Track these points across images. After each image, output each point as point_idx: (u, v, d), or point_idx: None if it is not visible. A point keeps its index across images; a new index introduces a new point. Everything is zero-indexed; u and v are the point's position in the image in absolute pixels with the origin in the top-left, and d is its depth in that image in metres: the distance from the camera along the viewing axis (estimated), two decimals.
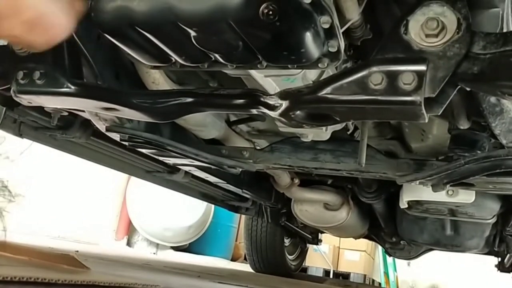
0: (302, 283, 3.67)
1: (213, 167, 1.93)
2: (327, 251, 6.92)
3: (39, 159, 4.29)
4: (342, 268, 7.05)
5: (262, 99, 1.12)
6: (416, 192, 2.20)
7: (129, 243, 5.78)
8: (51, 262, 1.35)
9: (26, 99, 1.32)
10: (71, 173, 4.69)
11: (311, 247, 5.35)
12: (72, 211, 4.87)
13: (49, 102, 1.35)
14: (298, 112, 1.12)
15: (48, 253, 1.37)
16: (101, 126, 1.63)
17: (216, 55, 1.12)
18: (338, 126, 1.65)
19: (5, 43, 1.34)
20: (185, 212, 5.65)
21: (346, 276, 6.96)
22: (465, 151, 1.51)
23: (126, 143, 1.70)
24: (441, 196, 2.07)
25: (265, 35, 1.00)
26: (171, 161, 1.96)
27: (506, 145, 1.32)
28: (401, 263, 7.90)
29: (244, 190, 2.56)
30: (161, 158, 1.94)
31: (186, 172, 2.34)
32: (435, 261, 7.55)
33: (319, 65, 1.10)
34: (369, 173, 1.79)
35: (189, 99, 1.23)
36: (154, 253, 5.74)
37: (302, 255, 4.58)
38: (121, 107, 1.29)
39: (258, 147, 1.95)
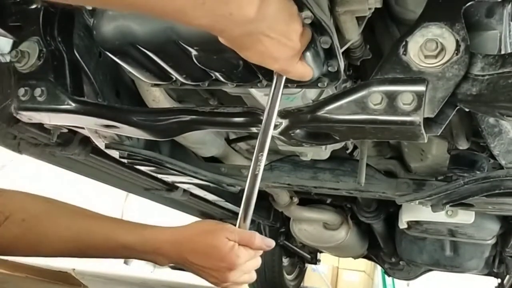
0: None
1: (211, 185, 1.93)
2: (326, 271, 6.86)
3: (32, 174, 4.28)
4: None
5: (261, 117, 1.13)
6: (415, 212, 2.19)
7: (125, 261, 5.73)
8: (48, 279, 1.34)
9: (26, 116, 1.33)
10: (67, 189, 4.68)
11: (309, 267, 5.31)
12: None
13: (50, 119, 1.35)
14: (297, 131, 1.12)
15: (46, 271, 1.36)
16: (101, 143, 1.63)
17: (217, 74, 1.13)
18: (337, 145, 1.65)
19: (7, 60, 1.35)
20: None
21: None
22: (464, 171, 1.51)
23: (125, 161, 1.70)
24: (440, 216, 2.06)
25: None
26: (169, 178, 1.96)
27: (505, 165, 1.33)
28: (400, 283, 7.83)
29: None
30: (159, 176, 1.94)
31: (185, 190, 2.33)
32: (435, 282, 7.49)
33: (319, 84, 1.10)
34: (368, 193, 1.79)
35: (189, 117, 1.24)
36: (152, 272, 5.68)
37: (301, 275, 4.53)
38: (121, 124, 1.30)
39: None
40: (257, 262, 1.01)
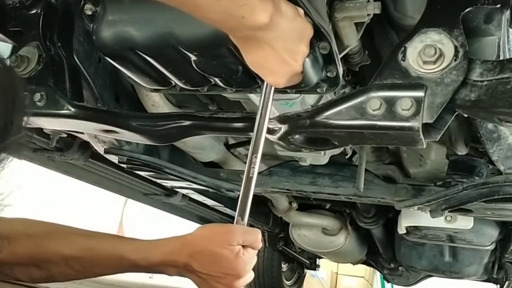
0: None
1: (211, 190, 1.93)
2: (325, 277, 6.85)
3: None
4: None
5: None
6: (414, 217, 2.19)
7: None
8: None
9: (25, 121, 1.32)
10: (65, 192, 4.66)
11: (308, 273, 5.29)
12: None
13: (49, 124, 1.35)
14: (296, 136, 1.12)
15: None
16: (100, 148, 1.63)
17: (216, 79, 1.13)
18: (336, 151, 1.65)
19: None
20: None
21: None
22: (463, 177, 1.51)
23: (124, 166, 1.70)
24: (439, 222, 2.06)
25: None
26: (169, 183, 1.96)
27: (504, 171, 1.33)
28: None
29: None
30: (159, 181, 1.94)
31: (184, 195, 2.33)
32: None
33: (318, 90, 1.11)
34: (367, 198, 1.79)
35: (189, 122, 1.24)
36: (150, 277, 5.67)
37: (300, 280, 4.52)
38: (121, 129, 1.30)
39: None
40: (255, 258, 1.00)
